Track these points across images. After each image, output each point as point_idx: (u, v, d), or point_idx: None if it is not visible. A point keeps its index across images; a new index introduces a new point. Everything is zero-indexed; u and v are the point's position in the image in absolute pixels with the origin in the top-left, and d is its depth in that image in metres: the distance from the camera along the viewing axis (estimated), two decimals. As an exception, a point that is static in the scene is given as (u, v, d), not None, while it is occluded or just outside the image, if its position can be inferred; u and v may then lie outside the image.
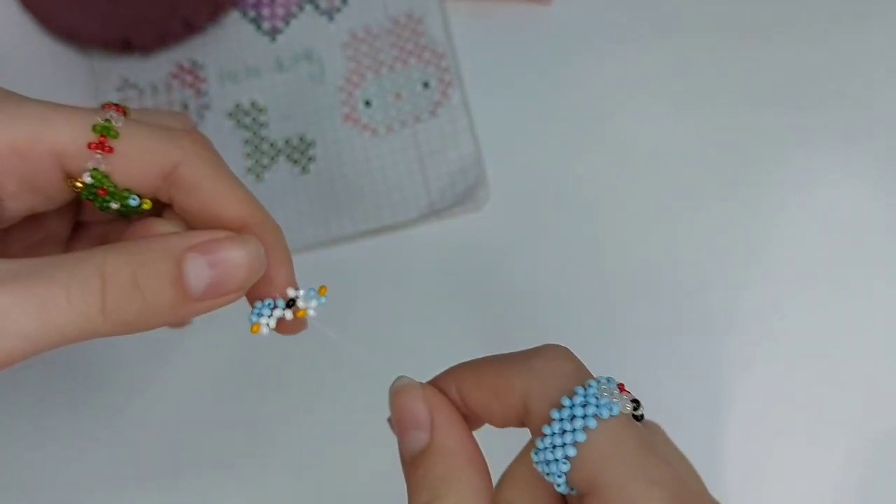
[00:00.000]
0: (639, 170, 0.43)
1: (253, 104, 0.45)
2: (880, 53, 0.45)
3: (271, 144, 0.44)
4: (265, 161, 0.44)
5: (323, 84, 0.45)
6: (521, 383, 0.25)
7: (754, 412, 0.39)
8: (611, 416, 0.23)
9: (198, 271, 0.23)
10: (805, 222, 0.42)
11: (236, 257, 0.24)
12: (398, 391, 0.26)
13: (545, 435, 0.24)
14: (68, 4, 0.45)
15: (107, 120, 0.25)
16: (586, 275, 0.42)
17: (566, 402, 0.24)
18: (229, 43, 0.46)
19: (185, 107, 0.45)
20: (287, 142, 0.44)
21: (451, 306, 0.41)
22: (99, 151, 0.25)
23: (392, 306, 0.42)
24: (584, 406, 0.24)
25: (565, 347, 0.26)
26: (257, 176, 0.44)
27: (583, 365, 0.25)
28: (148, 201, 0.26)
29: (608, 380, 0.25)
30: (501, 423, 0.26)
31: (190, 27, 0.46)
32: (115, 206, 0.26)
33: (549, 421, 0.24)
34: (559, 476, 0.24)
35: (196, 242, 0.24)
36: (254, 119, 0.45)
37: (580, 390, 0.24)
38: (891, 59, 0.45)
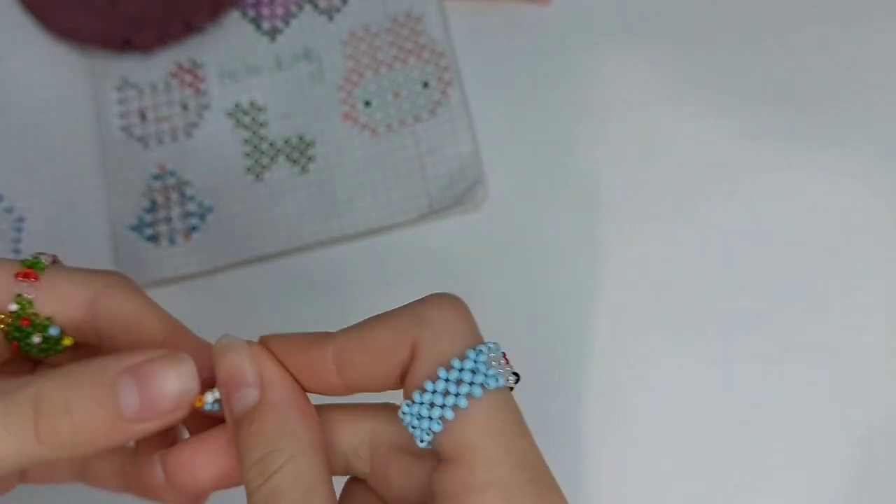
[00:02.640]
0: (639, 169, 0.43)
1: (252, 104, 0.45)
2: (881, 54, 0.45)
3: (271, 144, 0.44)
4: (265, 161, 0.44)
5: (322, 83, 0.45)
6: (413, 334, 0.24)
7: (753, 412, 0.39)
8: (497, 387, 0.23)
9: (129, 394, 0.23)
10: (805, 222, 0.42)
11: (166, 379, 0.24)
12: (224, 349, 0.25)
13: (425, 391, 0.23)
14: (68, 4, 0.46)
15: (36, 257, 0.27)
16: (586, 274, 0.42)
17: (456, 363, 0.23)
18: (229, 42, 0.46)
19: (185, 106, 0.45)
20: (286, 141, 0.44)
21: (450, 306, 0.41)
22: (25, 280, 0.26)
23: (391, 306, 0.42)
24: (473, 372, 0.23)
25: (458, 298, 0.25)
26: (256, 176, 0.44)
27: (475, 323, 0.25)
28: (70, 338, 0.27)
29: (496, 346, 0.24)
30: (381, 387, 0.25)
31: (190, 27, 0.46)
32: (37, 340, 0.26)
33: (434, 378, 0.23)
34: (427, 434, 0.24)
35: (129, 364, 0.24)
36: (253, 118, 0.45)
37: (471, 354, 0.24)
38: (892, 60, 0.45)
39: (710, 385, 0.40)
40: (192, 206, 0.44)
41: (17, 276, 0.26)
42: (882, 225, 0.42)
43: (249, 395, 0.25)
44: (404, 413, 0.24)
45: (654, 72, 0.45)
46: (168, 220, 0.43)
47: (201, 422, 0.26)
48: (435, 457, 0.24)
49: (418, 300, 0.25)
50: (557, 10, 0.46)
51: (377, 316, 0.26)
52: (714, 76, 0.45)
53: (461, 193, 0.42)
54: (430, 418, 0.23)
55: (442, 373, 0.23)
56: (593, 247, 0.43)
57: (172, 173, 0.44)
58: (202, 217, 0.43)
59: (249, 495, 0.24)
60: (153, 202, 0.44)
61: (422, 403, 0.24)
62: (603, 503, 0.38)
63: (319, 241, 0.43)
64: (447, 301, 0.25)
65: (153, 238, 0.43)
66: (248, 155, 0.44)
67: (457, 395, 0.23)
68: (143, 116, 0.45)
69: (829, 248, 0.42)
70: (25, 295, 0.26)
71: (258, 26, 0.47)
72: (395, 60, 0.45)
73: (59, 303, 0.27)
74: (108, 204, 0.44)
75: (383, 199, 0.43)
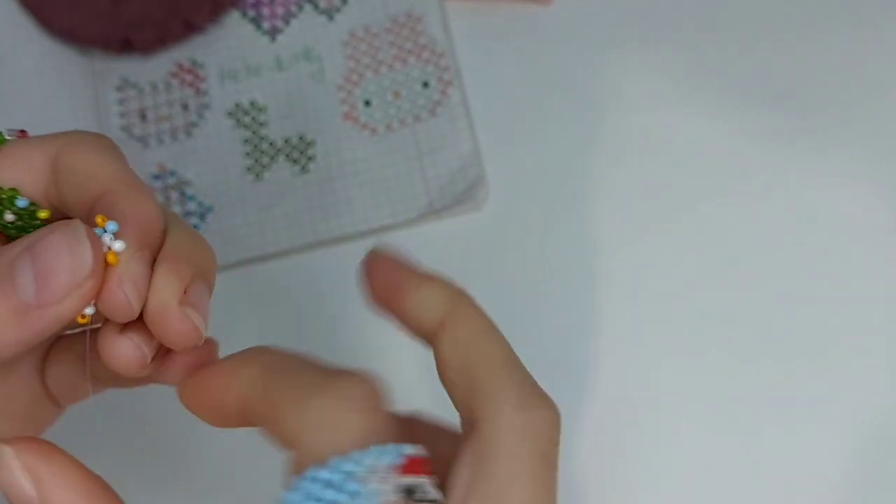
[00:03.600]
0: (639, 169, 0.43)
1: (252, 103, 0.45)
2: (882, 55, 0.45)
3: (271, 144, 0.44)
4: (265, 160, 0.44)
5: (323, 83, 0.45)
6: (297, 423, 0.22)
7: (752, 411, 0.39)
8: None
9: (25, 274, 0.21)
10: (806, 222, 0.42)
11: (57, 251, 0.21)
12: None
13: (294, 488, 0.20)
14: (68, 4, 0.46)
15: None
16: (586, 275, 0.42)
17: (321, 473, 0.20)
18: (229, 42, 0.46)
19: (185, 106, 0.45)
20: (287, 141, 0.44)
21: (450, 306, 0.41)
22: None
23: (392, 306, 0.42)
24: (331, 488, 0.20)
25: (371, 385, 0.23)
26: (257, 175, 0.44)
27: (379, 415, 0.22)
28: (45, 210, 0.24)
29: (392, 451, 0.21)
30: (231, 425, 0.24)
31: (190, 27, 0.46)
32: (9, 217, 0.24)
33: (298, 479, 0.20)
34: None
35: (29, 242, 0.21)
36: (253, 118, 0.45)
37: (339, 464, 0.20)
38: (892, 61, 0.45)
39: (711, 384, 0.40)
40: (192, 206, 0.44)
41: None
42: (882, 225, 0.42)
43: None
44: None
45: (654, 72, 0.45)
46: (168, 219, 0.43)
47: None
48: None
49: (331, 377, 0.23)
50: (558, 11, 0.46)
51: (297, 366, 0.24)
52: (714, 76, 0.45)
53: (461, 193, 0.42)
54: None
55: (305, 482, 0.20)
56: (593, 247, 0.43)
57: (172, 173, 0.44)
58: (202, 217, 0.43)
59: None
60: (153, 202, 0.44)
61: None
62: (603, 503, 0.38)
63: (319, 241, 0.43)
64: (352, 386, 0.22)
65: (153, 238, 0.43)
66: (248, 155, 0.44)
67: None
68: (143, 116, 0.45)
69: (830, 248, 0.42)
70: None
71: (258, 26, 0.47)
72: (396, 60, 0.45)
73: (21, 171, 0.24)
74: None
75: (383, 199, 0.43)
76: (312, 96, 0.45)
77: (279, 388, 0.22)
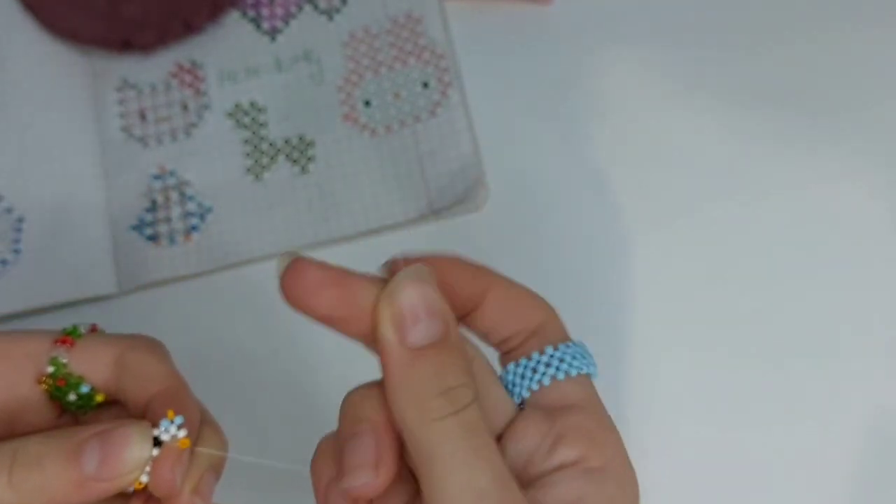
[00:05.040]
0: (639, 169, 0.43)
1: (252, 104, 0.45)
2: (882, 55, 0.45)
3: (271, 144, 0.44)
4: (265, 161, 0.44)
5: (322, 84, 0.45)
6: (545, 309, 0.29)
7: (753, 409, 0.39)
8: (587, 372, 0.28)
9: (91, 454, 0.26)
10: (806, 222, 0.42)
11: (124, 444, 0.26)
12: (412, 276, 0.26)
13: (531, 358, 0.28)
14: (68, 4, 0.46)
15: (74, 326, 0.30)
16: (586, 274, 0.42)
17: (571, 345, 0.28)
18: (229, 43, 0.46)
19: (185, 107, 0.45)
20: (286, 142, 0.44)
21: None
22: (62, 345, 0.29)
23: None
24: (581, 356, 0.28)
25: None
26: (256, 176, 0.44)
27: None
28: (101, 395, 0.30)
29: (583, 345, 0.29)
30: (498, 340, 0.29)
31: (189, 27, 0.46)
32: (72, 397, 0.29)
33: (556, 346, 0.28)
34: (525, 390, 0.27)
35: (99, 430, 0.27)
36: (253, 119, 0.45)
37: (576, 344, 0.29)
38: (893, 61, 0.45)
39: (711, 383, 0.40)
40: (192, 207, 0.44)
41: (55, 341, 0.30)
42: (883, 224, 0.42)
43: (435, 327, 0.25)
44: (507, 371, 0.28)
45: (654, 72, 0.45)
46: (168, 220, 0.43)
47: None
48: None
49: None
50: (558, 11, 0.46)
51: (517, 283, 0.29)
52: (714, 76, 0.45)
53: (461, 194, 0.42)
54: (532, 380, 0.27)
55: (549, 349, 0.28)
56: (594, 247, 0.43)
57: (172, 173, 0.44)
58: (202, 217, 0.43)
59: (427, 423, 0.24)
60: (153, 202, 0.44)
61: (527, 367, 0.28)
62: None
63: (319, 241, 0.43)
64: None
65: (153, 238, 0.43)
66: (248, 155, 0.44)
67: (557, 368, 0.27)
68: (143, 117, 0.45)
69: (830, 247, 0.42)
70: (60, 358, 0.29)
71: (258, 27, 0.47)
72: (395, 61, 0.45)
73: (90, 363, 0.29)
74: (109, 204, 0.44)
75: (383, 200, 0.43)
76: (312, 97, 0.45)
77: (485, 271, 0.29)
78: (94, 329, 0.31)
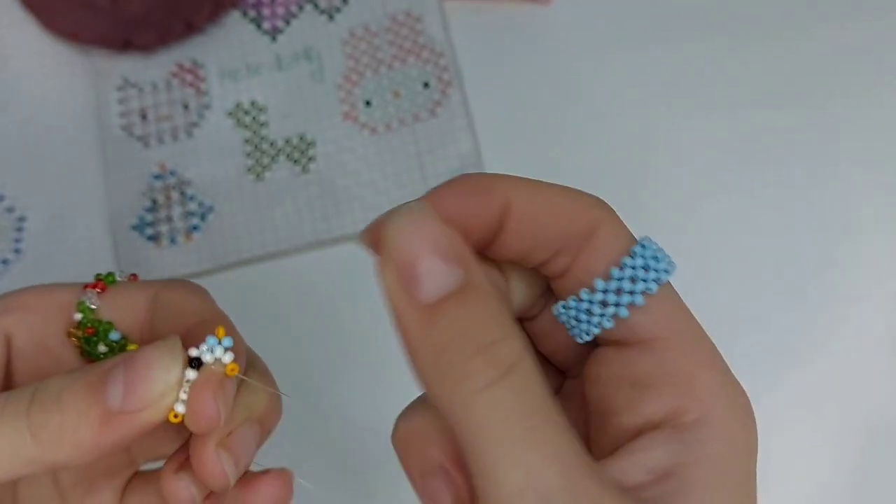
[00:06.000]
0: (638, 169, 0.43)
1: (253, 103, 0.45)
2: (882, 54, 0.45)
3: (271, 144, 0.44)
4: (265, 160, 0.44)
5: (323, 83, 0.45)
6: (596, 214, 0.21)
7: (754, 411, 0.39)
8: (667, 279, 0.21)
9: (115, 382, 0.22)
10: (806, 222, 0.42)
11: (149, 362, 0.22)
12: (408, 215, 0.19)
13: (596, 290, 0.21)
14: (69, 4, 0.46)
15: (110, 273, 0.27)
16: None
17: (639, 249, 0.21)
18: (230, 42, 0.46)
19: (186, 106, 0.45)
20: (287, 141, 0.44)
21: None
22: (92, 290, 0.26)
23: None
24: (645, 270, 0.21)
25: None
26: (257, 175, 0.44)
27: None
28: (134, 345, 0.26)
29: (649, 239, 0.22)
30: (537, 259, 0.22)
31: (190, 26, 0.46)
32: (102, 349, 0.26)
33: (606, 276, 0.21)
34: (595, 328, 0.21)
35: (125, 357, 0.22)
36: (254, 118, 0.45)
37: (639, 250, 0.21)
38: (893, 61, 0.45)
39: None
40: (192, 206, 0.44)
41: (85, 286, 0.26)
42: (883, 225, 0.42)
43: (450, 272, 0.19)
44: (568, 308, 0.21)
45: (653, 71, 0.45)
46: (169, 219, 0.43)
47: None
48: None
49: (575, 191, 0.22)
50: (557, 10, 0.46)
51: (548, 183, 0.22)
52: (714, 76, 0.45)
53: (461, 193, 0.43)
54: (602, 315, 0.21)
55: (628, 260, 0.21)
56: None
57: (173, 173, 0.44)
58: (203, 217, 0.43)
59: (467, 398, 0.18)
60: (154, 202, 0.44)
61: (592, 301, 0.21)
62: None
63: (319, 240, 0.43)
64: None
65: (154, 237, 0.43)
66: (248, 154, 0.44)
67: (631, 293, 0.21)
68: (143, 116, 0.45)
69: (830, 248, 0.42)
70: (88, 303, 0.26)
71: (259, 26, 0.47)
72: (395, 60, 0.45)
73: (122, 309, 0.26)
74: (109, 203, 0.44)
75: (383, 199, 0.43)
76: (313, 96, 0.45)
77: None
78: (134, 278, 0.28)
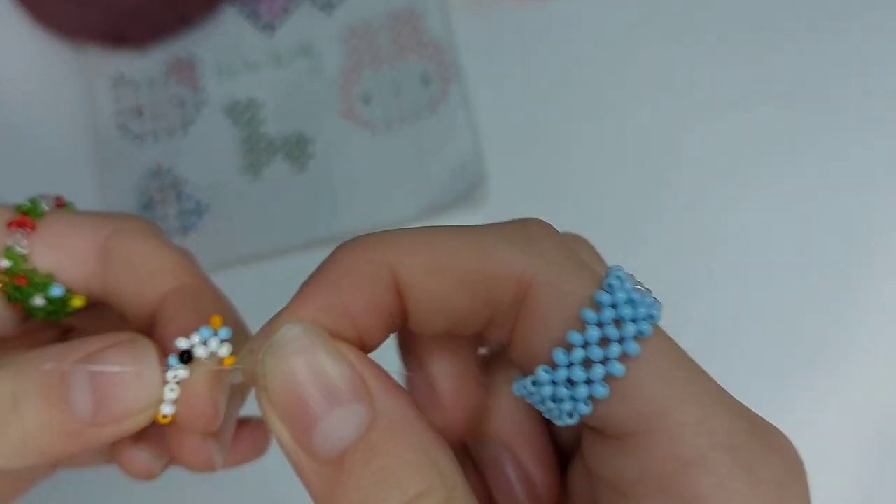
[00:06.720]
0: (639, 168, 0.43)
1: (250, 100, 0.45)
2: (883, 55, 0.45)
3: (268, 141, 0.44)
4: (262, 158, 0.44)
5: (321, 80, 0.45)
6: (519, 270, 0.17)
7: (753, 410, 0.39)
8: (658, 319, 0.17)
9: (81, 391, 0.18)
10: (806, 222, 0.42)
11: (114, 360, 0.19)
12: (298, 351, 0.16)
13: (573, 346, 0.16)
14: (61, -3, 0.45)
15: (33, 200, 0.22)
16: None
17: (604, 298, 0.16)
18: (226, 37, 0.46)
19: (182, 103, 0.45)
20: (285, 139, 0.44)
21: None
22: (19, 229, 0.21)
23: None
24: (631, 304, 0.16)
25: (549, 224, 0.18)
26: (254, 174, 0.43)
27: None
28: (80, 298, 0.22)
29: (620, 268, 0.17)
30: (460, 328, 0.17)
31: (185, 21, 0.45)
32: (39, 301, 0.22)
33: (572, 327, 0.16)
34: (583, 405, 0.16)
35: (84, 353, 0.19)
36: (251, 116, 0.44)
37: (614, 281, 0.16)
38: (893, 60, 0.45)
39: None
40: (188, 204, 0.43)
41: (9, 224, 0.22)
42: (883, 224, 0.42)
43: (351, 418, 0.16)
44: (536, 385, 0.17)
45: (655, 70, 0.45)
46: (164, 218, 0.43)
47: None
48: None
49: (509, 224, 0.18)
50: (559, 8, 0.46)
51: (448, 228, 0.17)
52: (715, 75, 0.45)
53: (462, 191, 0.42)
54: (589, 382, 0.16)
55: (589, 315, 0.16)
56: (593, 245, 0.42)
57: (169, 171, 0.44)
58: (199, 215, 0.43)
59: None
60: (149, 200, 0.43)
61: (569, 366, 0.16)
62: None
63: (317, 239, 0.42)
64: (542, 227, 0.18)
65: (149, 236, 0.43)
66: (245, 152, 0.44)
67: (620, 341, 0.16)
68: (138, 113, 0.45)
69: (844, 250, 0.42)
70: (18, 248, 0.21)
71: (256, 21, 0.46)
72: (395, 57, 0.45)
73: (61, 254, 0.22)
74: (104, 201, 0.43)
75: (383, 198, 0.43)
76: (311, 93, 0.45)
77: None
78: (60, 204, 0.23)
